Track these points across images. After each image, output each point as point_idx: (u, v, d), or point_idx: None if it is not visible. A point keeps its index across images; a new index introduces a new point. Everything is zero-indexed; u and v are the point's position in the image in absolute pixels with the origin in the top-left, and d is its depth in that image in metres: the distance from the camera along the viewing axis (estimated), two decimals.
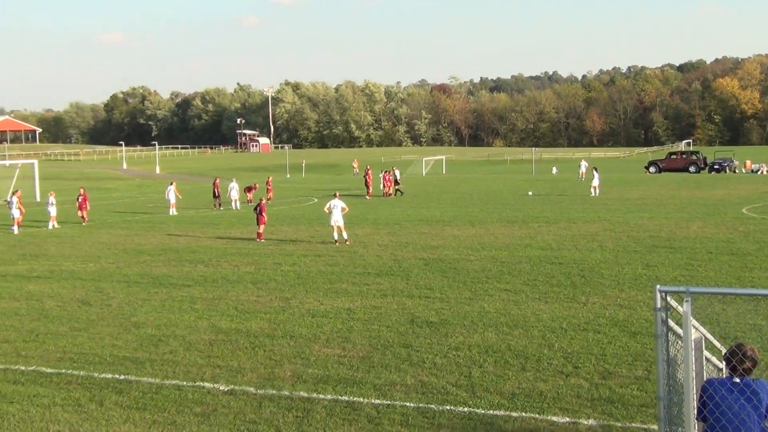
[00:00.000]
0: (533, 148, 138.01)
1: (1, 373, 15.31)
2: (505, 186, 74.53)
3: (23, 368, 15.55)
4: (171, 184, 53.29)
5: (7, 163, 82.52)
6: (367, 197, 61.28)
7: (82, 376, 14.98)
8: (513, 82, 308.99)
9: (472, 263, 27.22)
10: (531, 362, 15.16)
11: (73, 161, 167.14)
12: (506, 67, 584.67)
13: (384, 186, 63.02)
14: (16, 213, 41.68)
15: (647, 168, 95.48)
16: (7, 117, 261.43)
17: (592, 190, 57.26)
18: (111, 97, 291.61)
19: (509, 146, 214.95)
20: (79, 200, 45.84)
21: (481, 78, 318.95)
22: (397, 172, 66.94)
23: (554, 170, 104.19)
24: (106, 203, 62.87)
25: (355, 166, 68.31)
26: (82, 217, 45.44)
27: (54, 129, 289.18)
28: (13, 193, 43.44)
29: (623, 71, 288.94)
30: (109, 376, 14.93)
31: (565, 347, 16.12)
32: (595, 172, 59.87)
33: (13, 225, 41.38)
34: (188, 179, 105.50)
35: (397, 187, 64.35)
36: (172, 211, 50.88)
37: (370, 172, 66.86)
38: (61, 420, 12.70)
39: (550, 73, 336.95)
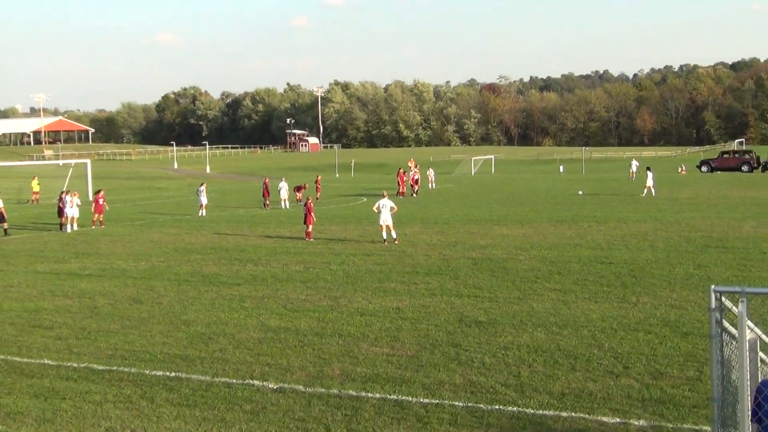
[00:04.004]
0: (583, 148, 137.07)
1: (54, 369, 15.51)
2: (555, 185, 74.09)
3: (75, 365, 15.73)
4: (201, 185, 52.53)
5: (61, 162, 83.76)
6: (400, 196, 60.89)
7: (134, 373, 15.13)
8: (563, 81, 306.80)
9: (521, 263, 27.06)
10: (581, 362, 15.03)
11: (125, 161, 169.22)
12: (556, 66, 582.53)
13: (401, 186, 64.08)
14: (72, 212, 42.04)
15: (699, 167, 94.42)
16: (60, 117, 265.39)
17: (645, 190, 56.24)
18: (162, 97, 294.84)
19: (559, 145, 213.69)
20: (100, 203, 43.85)
21: (531, 77, 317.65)
22: (420, 172, 67.56)
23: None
24: (158, 202, 63.52)
25: (411, 165, 68.22)
26: (100, 221, 43.34)
27: (106, 129, 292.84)
28: (68, 193, 43.61)
29: (675, 70, 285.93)
30: (160, 373, 15.06)
31: (616, 347, 15.95)
32: (648, 172, 58.78)
33: (67, 224, 41.81)
34: (238, 178, 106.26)
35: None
36: (202, 213, 49.38)
37: (401, 171, 67.39)
38: (113, 416, 12.83)
39: (601, 71, 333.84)
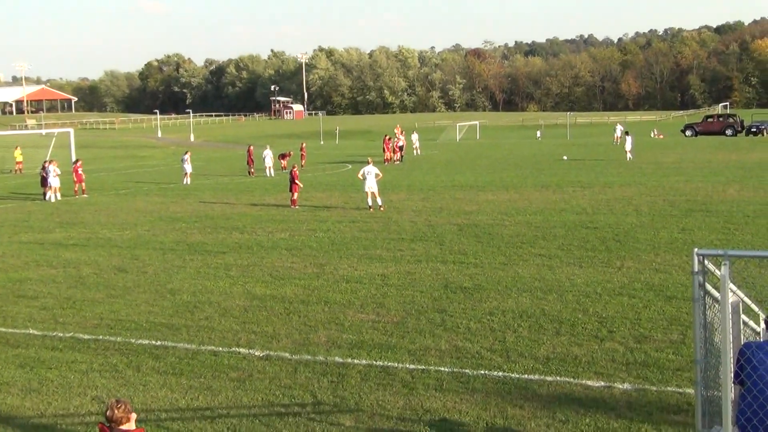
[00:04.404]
0: (568, 113, 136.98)
1: (40, 339, 15.50)
2: (540, 151, 74.07)
3: (61, 335, 15.72)
4: (186, 153, 52.37)
5: (43, 132, 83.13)
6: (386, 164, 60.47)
7: (119, 342, 15.13)
8: (548, 46, 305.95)
9: (506, 228, 27.10)
10: (565, 327, 15.10)
11: (108, 130, 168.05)
12: (541, 31, 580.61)
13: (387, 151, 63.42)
14: (55, 181, 41.89)
15: (683, 131, 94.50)
16: (43, 86, 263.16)
17: (628, 155, 56.49)
18: (146, 65, 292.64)
19: (544, 111, 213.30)
20: (79, 172, 44.04)
21: (516, 42, 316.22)
22: (404, 137, 67.08)
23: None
24: (142, 171, 63.28)
25: (397, 132, 67.42)
26: (82, 189, 43.77)
27: (89, 98, 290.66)
28: (51, 162, 43.40)
29: (660, 34, 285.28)
30: (146, 342, 15.07)
31: (600, 312, 16.03)
32: (627, 136, 58.96)
33: (49, 193, 41.64)
34: (222, 147, 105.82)
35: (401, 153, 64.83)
36: (187, 181, 49.74)
37: (387, 137, 66.29)
38: (99, 385, 12.84)
39: (586, 36, 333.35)
